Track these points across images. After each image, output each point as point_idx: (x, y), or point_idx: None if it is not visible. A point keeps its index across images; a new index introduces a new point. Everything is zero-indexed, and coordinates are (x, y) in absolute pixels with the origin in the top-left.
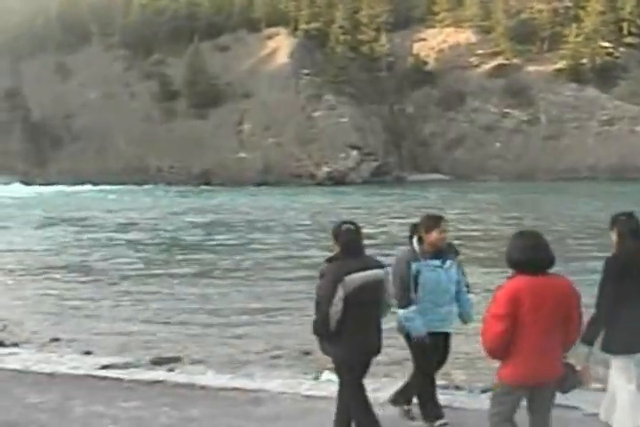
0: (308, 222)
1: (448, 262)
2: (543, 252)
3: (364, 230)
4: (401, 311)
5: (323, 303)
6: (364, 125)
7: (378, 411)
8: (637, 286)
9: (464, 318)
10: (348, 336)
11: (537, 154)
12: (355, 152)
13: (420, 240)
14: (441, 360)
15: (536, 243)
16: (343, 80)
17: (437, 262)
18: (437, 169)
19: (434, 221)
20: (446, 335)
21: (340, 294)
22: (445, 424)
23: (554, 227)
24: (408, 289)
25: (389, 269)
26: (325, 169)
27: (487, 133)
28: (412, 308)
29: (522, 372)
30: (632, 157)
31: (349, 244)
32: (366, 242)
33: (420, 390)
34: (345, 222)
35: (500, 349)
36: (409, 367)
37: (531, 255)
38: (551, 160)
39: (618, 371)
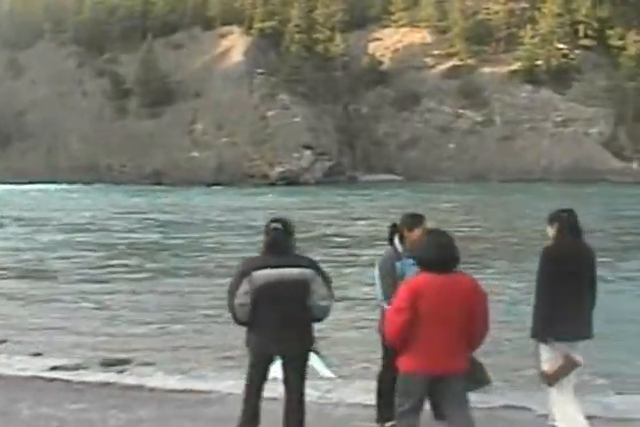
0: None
1: None
2: (450, 250)
3: (328, 231)
4: None
5: (229, 295)
6: (318, 125)
7: (331, 411)
8: (574, 278)
9: None
10: (262, 330)
11: (491, 155)
12: (308, 152)
13: (402, 239)
14: None
15: (443, 242)
16: (297, 79)
17: None
18: (391, 169)
19: (416, 220)
20: None
21: (244, 287)
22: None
23: (520, 227)
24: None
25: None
26: (279, 169)
27: (441, 134)
28: None
29: (419, 363)
30: (586, 159)
31: (271, 241)
32: (334, 241)
33: (382, 390)
34: (274, 221)
35: (400, 339)
36: (359, 368)
37: (438, 254)
38: (505, 161)
39: (548, 359)
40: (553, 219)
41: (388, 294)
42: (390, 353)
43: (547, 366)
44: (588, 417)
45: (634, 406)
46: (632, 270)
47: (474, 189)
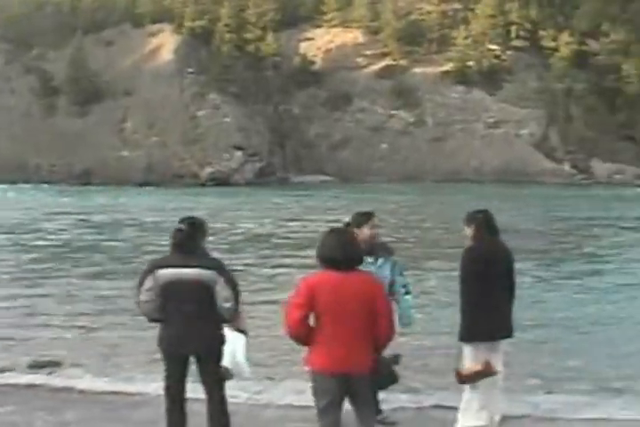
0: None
1: (380, 260)
2: (353, 249)
3: (261, 231)
4: None
5: (136, 292)
6: (249, 126)
7: (260, 412)
8: (493, 277)
9: (403, 320)
10: (171, 329)
11: (423, 155)
12: (239, 153)
13: None
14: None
15: (346, 240)
16: (228, 79)
17: (370, 259)
18: (322, 170)
19: (364, 217)
20: None
21: (148, 284)
22: None
23: (457, 228)
24: None
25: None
26: (209, 169)
27: (374, 135)
28: None
29: (323, 360)
30: (517, 161)
31: (175, 241)
32: (267, 243)
33: None
34: (182, 220)
35: (299, 334)
36: (288, 369)
37: (340, 252)
38: (437, 162)
39: (473, 359)
40: (469, 220)
41: None
42: None
43: (467, 365)
44: (520, 416)
45: (562, 405)
46: (568, 272)
47: (408, 190)
